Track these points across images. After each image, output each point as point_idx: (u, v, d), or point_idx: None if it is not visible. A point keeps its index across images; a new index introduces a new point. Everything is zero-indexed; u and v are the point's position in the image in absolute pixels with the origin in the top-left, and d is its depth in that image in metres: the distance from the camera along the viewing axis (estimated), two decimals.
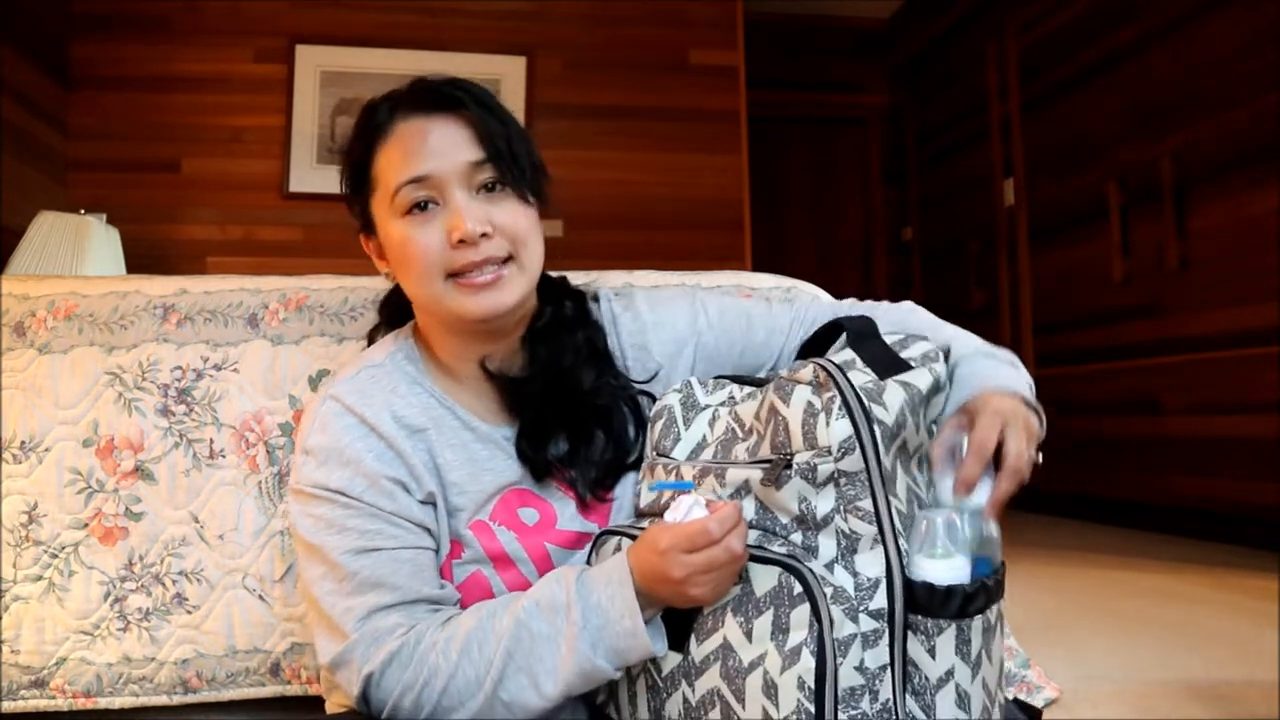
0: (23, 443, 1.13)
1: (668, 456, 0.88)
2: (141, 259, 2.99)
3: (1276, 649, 1.55)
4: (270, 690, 1.13)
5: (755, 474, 0.74)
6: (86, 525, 1.12)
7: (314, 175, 3.35)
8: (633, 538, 0.84)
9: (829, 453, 0.70)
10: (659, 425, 0.90)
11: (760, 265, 3.12)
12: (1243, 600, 1.96)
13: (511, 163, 0.86)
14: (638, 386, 0.96)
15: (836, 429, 0.70)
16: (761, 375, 0.94)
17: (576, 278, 1.06)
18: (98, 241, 2.64)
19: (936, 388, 0.76)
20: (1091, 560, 2.51)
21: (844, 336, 0.82)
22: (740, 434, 0.82)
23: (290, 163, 3.34)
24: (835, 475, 0.70)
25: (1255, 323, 2.58)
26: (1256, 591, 2.04)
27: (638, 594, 0.75)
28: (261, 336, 1.17)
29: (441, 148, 0.85)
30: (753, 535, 0.74)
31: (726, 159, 3.63)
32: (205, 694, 1.12)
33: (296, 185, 3.34)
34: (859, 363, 0.74)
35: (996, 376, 0.81)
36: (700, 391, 0.90)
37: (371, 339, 1.04)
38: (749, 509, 0.75)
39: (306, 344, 1.17)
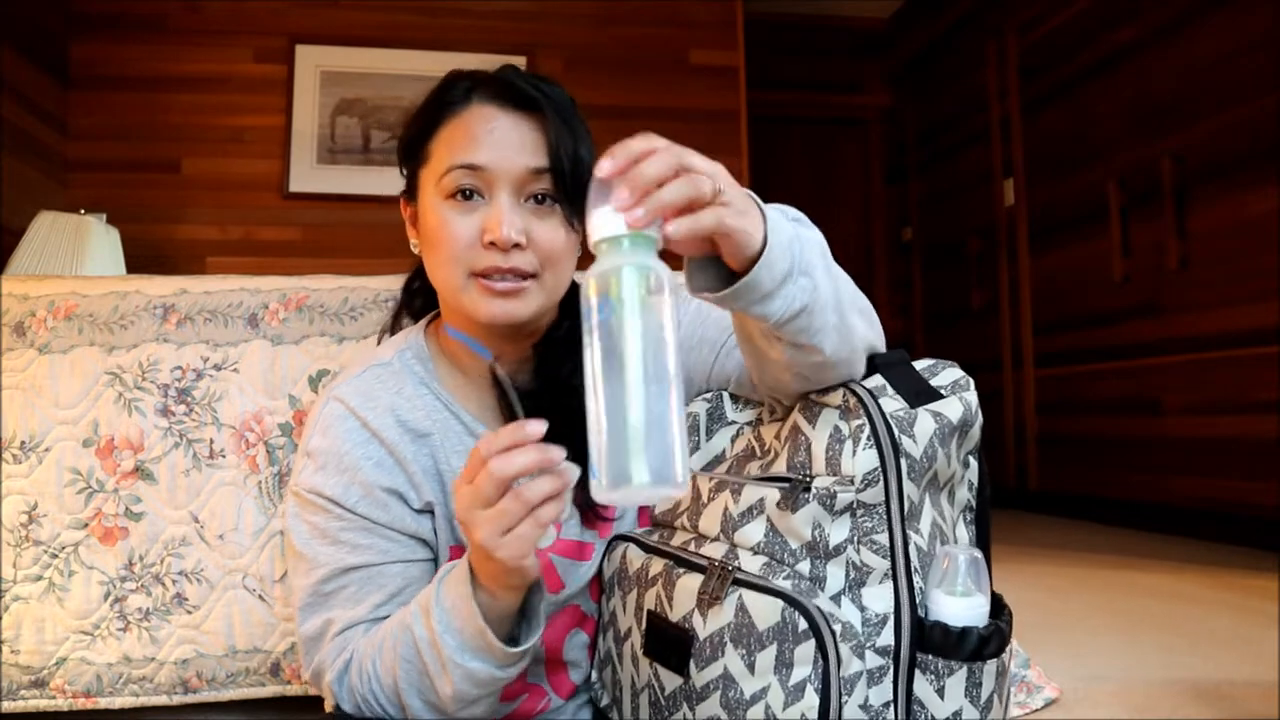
0: (23, 443, 1.13)
1: None
2: (141, 259, 3.00)
3: (1276, 649, 1.55)
4: (270, 690, 1.13)
5: (772, 494, 0.71)
6: (86, 525, 1.12)
7: (314, 175, 3.35)
8: (642, 545, 0.83)
9: (851, 483, 0.67)
10: None
11: None
12: (1243, 600, 1.96)
13: (571, 181, 0.83)
14: None
15: (862, 459, 0.67)
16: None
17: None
18: (98, 241, 2.64)
19: (968, 418, 0.73)
20: (1091, 560, 2.51)
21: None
22: (759, 452, 0.80)
23: (290, 163, 3.34)
24: (854, 505, 0.68)
25: (1255, 323, 2.58)
26: (1256, 591, 2.04)
27: (481, 588, 0.71)
28: (261, 336, 1.17)
29: (506, 143, 0.82)
30: (758, 563, 0.71)
31: (726, 159, 3.53)
32: (205, 694, 1.12)
33: (296, 185, 3.34)
34: (889, 389, 0.71)
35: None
36: (730, 406, 0.88)
37: (395, 322, 1.02)
38: (758, 530, 0.72)
39: (306, 344, 1.17)
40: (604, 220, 0.58)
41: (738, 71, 3.69)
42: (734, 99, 3.68)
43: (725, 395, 0.88)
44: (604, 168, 0.57)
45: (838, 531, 0.68)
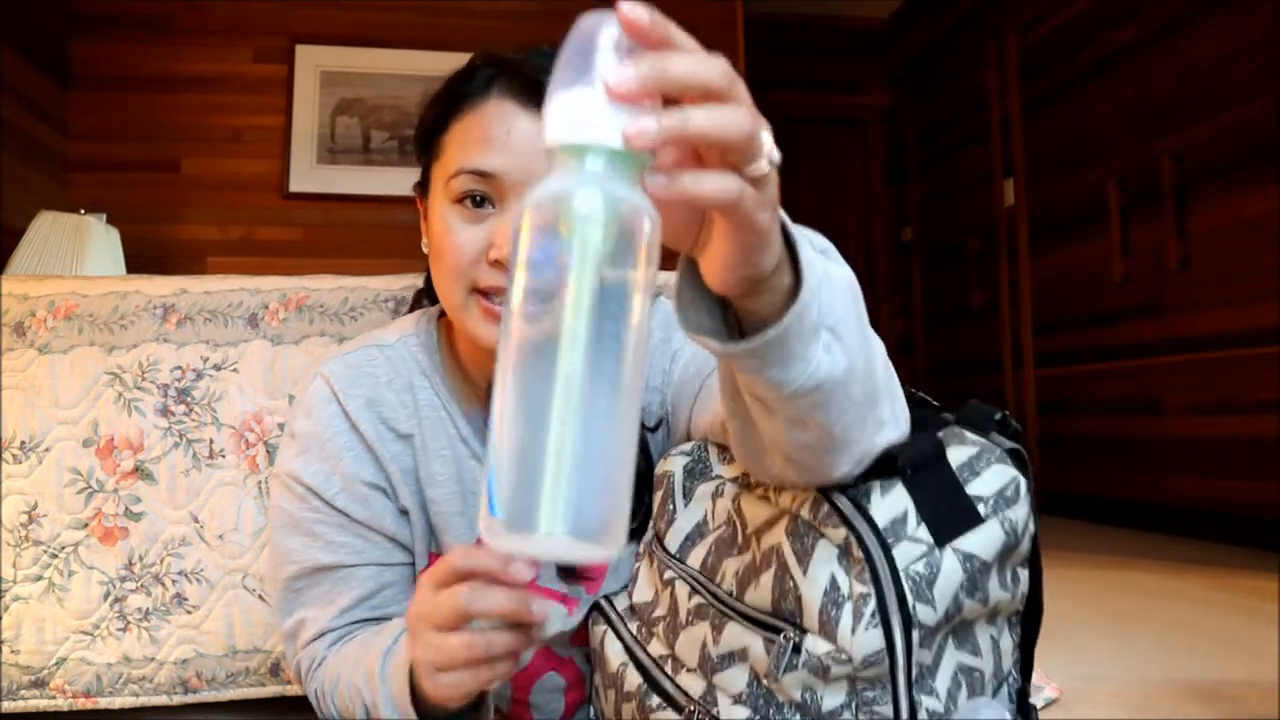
0: (23, 443, 1.13)
1: (663, 545, 0.74)
2: (141, 259, 2.99)
3: (1276, 649, 1.55)
4: (270, 690, 1.13)
5: (757, 645, 0.60)
6: (86, 525, 1.12)
7: (314, 175, 3.35)
8: (620, 637, 0.76)
9: (849, 661, 0.55)
10: (658, 496, 0.77)
11: None
12: (1243, 600, 1.96)
13: None
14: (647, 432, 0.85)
15: (864, 640, 0.55)
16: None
17: None
18: (98, 241, 2.64)
19: (1010, 544, 0.59)
20: (1091, 560, 2.51)
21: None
22: (739, 541, 0.66)
23: (290, 163, 3.34)
24: (852, 677, 0.57)
25: (1255, 323, 2.58)
26: (1256, 591, 2.04)
27: (419, 685, 0.63)
28: (261, 336, 1.17)
29: (523, 148, 0.73)
30: (741, 716, 0.61)
31: None
32: (205, 694, 1.12)
33: (296, 185, 3.34)
34: (912, 517, 0.57)
35: None
36: (715, 457, 0.74)
37: (416, 304, 0.96)
38: (741, 678, 0.61)
39: (306, 344, 1.17)
40: (580, 111, 0.35)
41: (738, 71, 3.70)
42: None
43: (709, 445, 0.76)
44: (632, 11, 0.37)
45: (832, 697, 0.57)
